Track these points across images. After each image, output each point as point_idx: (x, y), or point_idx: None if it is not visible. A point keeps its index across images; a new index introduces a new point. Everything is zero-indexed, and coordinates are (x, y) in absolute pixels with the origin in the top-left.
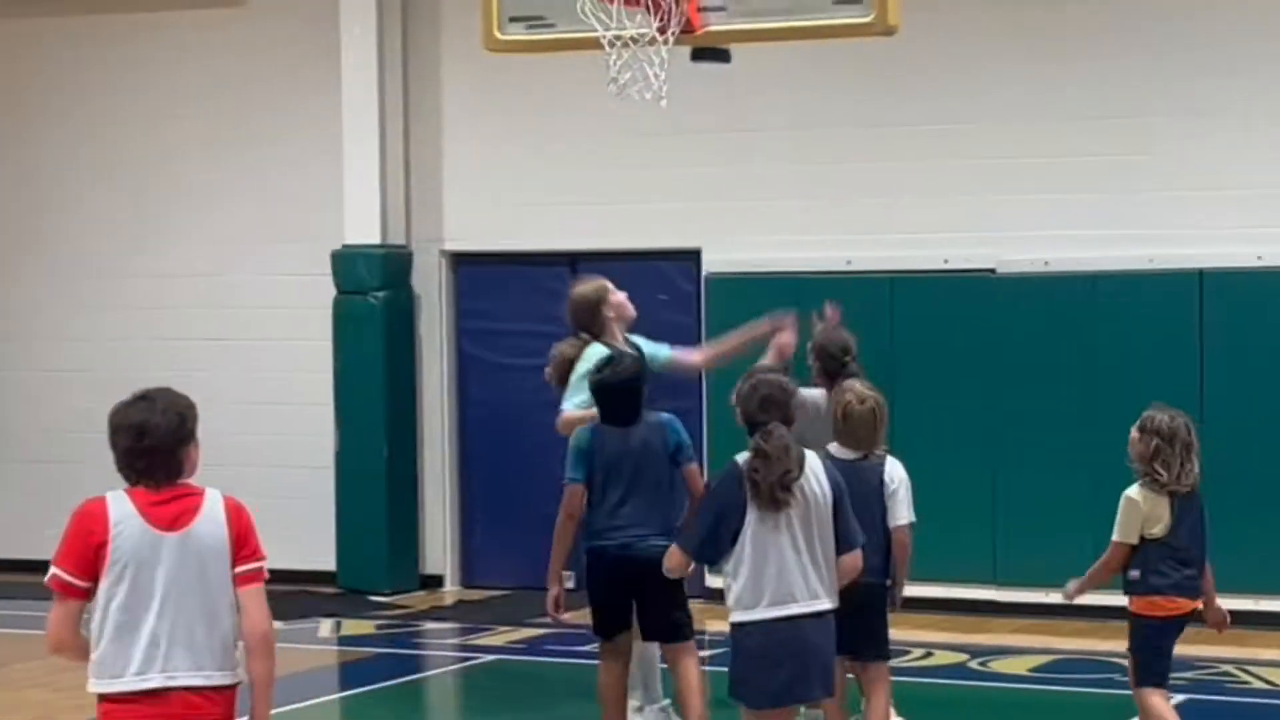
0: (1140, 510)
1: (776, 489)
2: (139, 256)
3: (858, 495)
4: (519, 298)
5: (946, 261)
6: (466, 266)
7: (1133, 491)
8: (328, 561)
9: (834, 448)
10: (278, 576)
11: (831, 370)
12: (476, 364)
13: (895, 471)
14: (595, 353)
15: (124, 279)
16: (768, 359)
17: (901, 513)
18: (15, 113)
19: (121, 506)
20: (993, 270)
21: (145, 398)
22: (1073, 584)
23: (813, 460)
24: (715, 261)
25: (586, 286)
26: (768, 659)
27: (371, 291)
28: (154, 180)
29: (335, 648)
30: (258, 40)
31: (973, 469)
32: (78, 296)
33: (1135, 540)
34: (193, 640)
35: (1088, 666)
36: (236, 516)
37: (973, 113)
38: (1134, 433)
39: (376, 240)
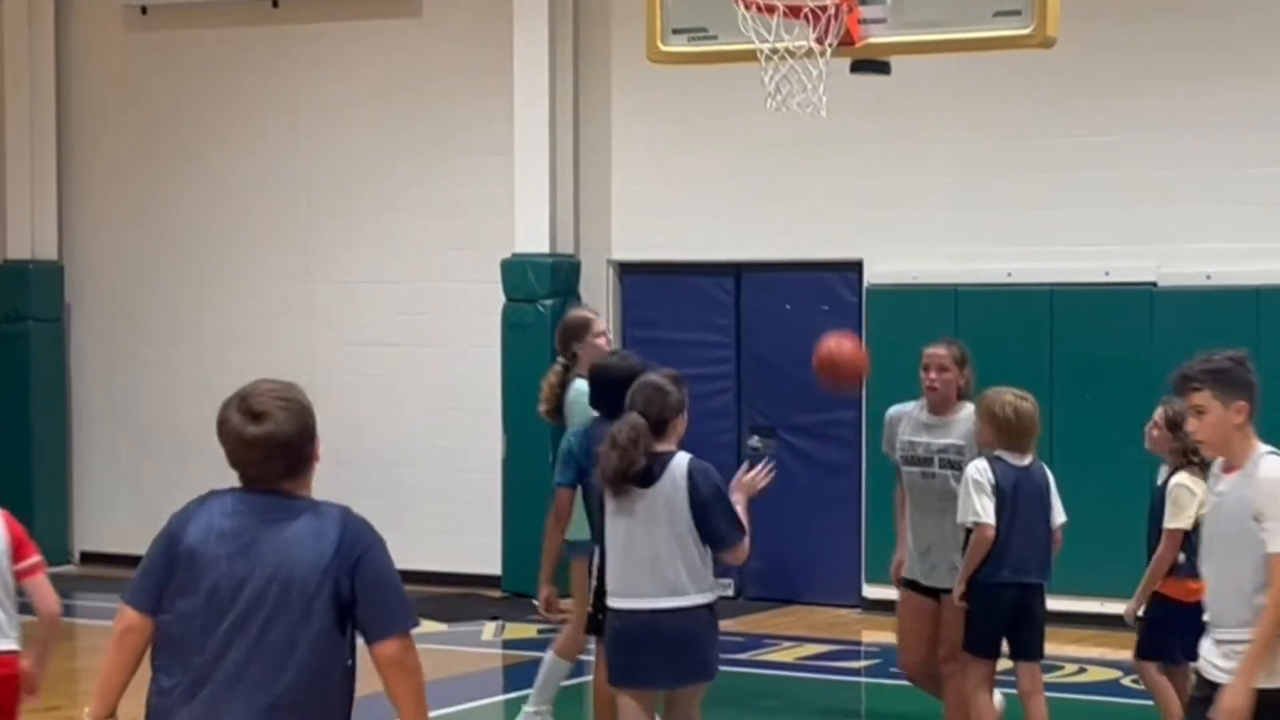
0: (1195, 496)
1: (617, 478)
2: (317, 262)
3: (1035, 500)
4: (684, 307)
5: (1107, 274)
6: (633, 276)
7: (1184, 479)
8: (493, 565)
9: (1005, 454)
10: (444, 579)
11: None
12: None
13: (1049, 473)
14: (583, 388)
15: (304, 284)
16: None
17: (1061, 511)
18: (194, 121)
19: None
20: (1154, 283)
21: None
22: (1130, 606)
23: (679, 461)
24: (877, 273)
25: (577, 313)
26: (618, 645)
27: (540, 300)
28: (328, 189)
29: (499, 651)
30: (430, 51)
31: (1130, 483)
32: (257, 300)
33: (1190, 526)
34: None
35: None
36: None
37: (1135, 124)
38: (1153, 431)
39: (545, 250)
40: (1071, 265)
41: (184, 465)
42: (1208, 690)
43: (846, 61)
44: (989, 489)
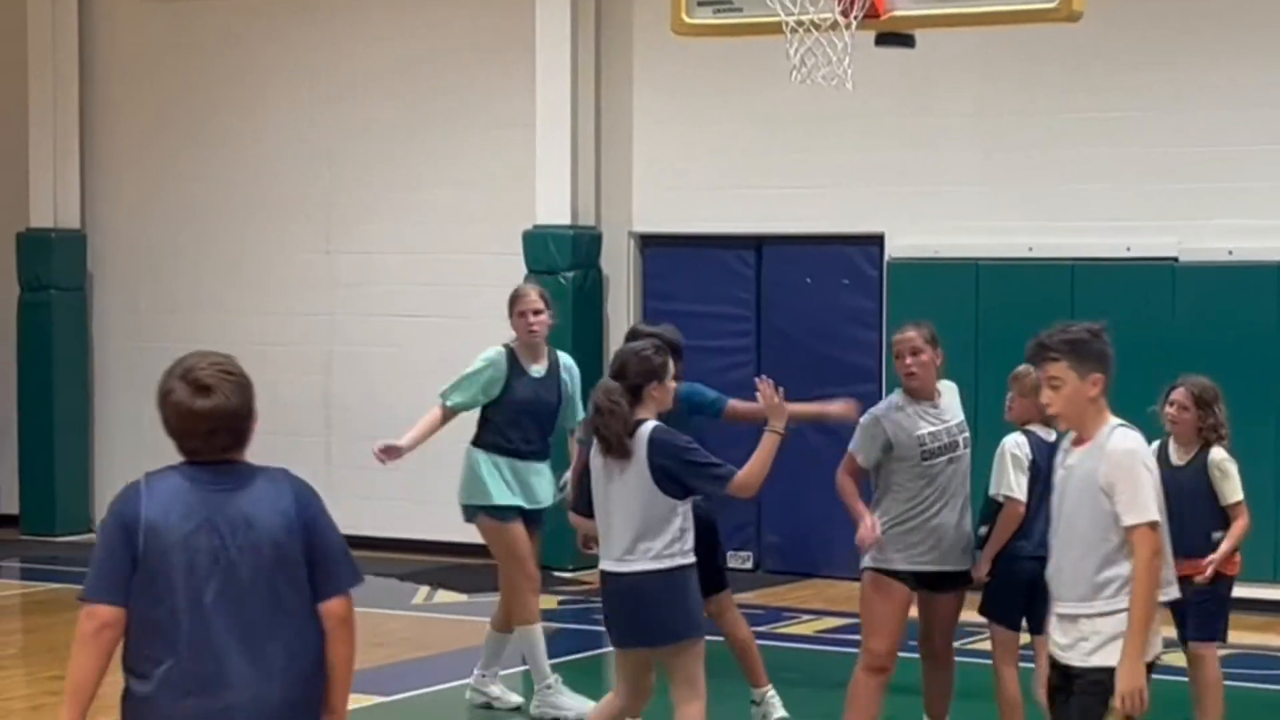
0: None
1: (619, 439)
2: (338, 233)
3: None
4: (705, 280)
5: (1129, 250)
6: (654, 248)
7: (1223, 453)
8: None
9: (1037, 429)
10: (465, 550)
11: None
12: None
13: None
14: (488, 354)
15: (325, 255)
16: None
17: None
18: (217, 92)
19: None
20: (1175, 259)
21: None
22: (1209, 561)
23: (644, 429)
24: (898, 247)
25: (518, 286)
26: (603, 605)
27: (561, 272)
28: (349, 160)
29: None
30: (452, 23)
31: None
32: (278, 271)
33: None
34: None
35: (1262, 662)
36: None
37: (1157, 100)
38: (1183, 414)
39: (567, 221)
40: (1093, 240)
41: None
42: (1059, 678)
43: (870, 34)
44: (1025, 465)
